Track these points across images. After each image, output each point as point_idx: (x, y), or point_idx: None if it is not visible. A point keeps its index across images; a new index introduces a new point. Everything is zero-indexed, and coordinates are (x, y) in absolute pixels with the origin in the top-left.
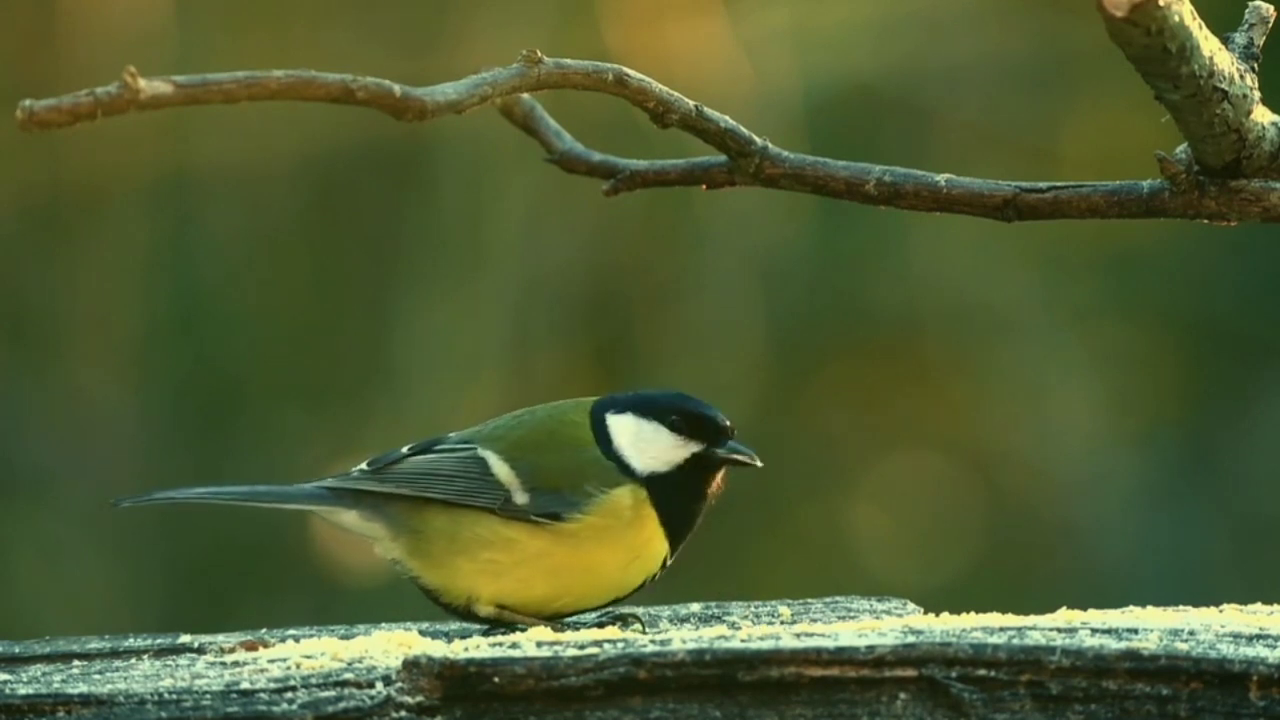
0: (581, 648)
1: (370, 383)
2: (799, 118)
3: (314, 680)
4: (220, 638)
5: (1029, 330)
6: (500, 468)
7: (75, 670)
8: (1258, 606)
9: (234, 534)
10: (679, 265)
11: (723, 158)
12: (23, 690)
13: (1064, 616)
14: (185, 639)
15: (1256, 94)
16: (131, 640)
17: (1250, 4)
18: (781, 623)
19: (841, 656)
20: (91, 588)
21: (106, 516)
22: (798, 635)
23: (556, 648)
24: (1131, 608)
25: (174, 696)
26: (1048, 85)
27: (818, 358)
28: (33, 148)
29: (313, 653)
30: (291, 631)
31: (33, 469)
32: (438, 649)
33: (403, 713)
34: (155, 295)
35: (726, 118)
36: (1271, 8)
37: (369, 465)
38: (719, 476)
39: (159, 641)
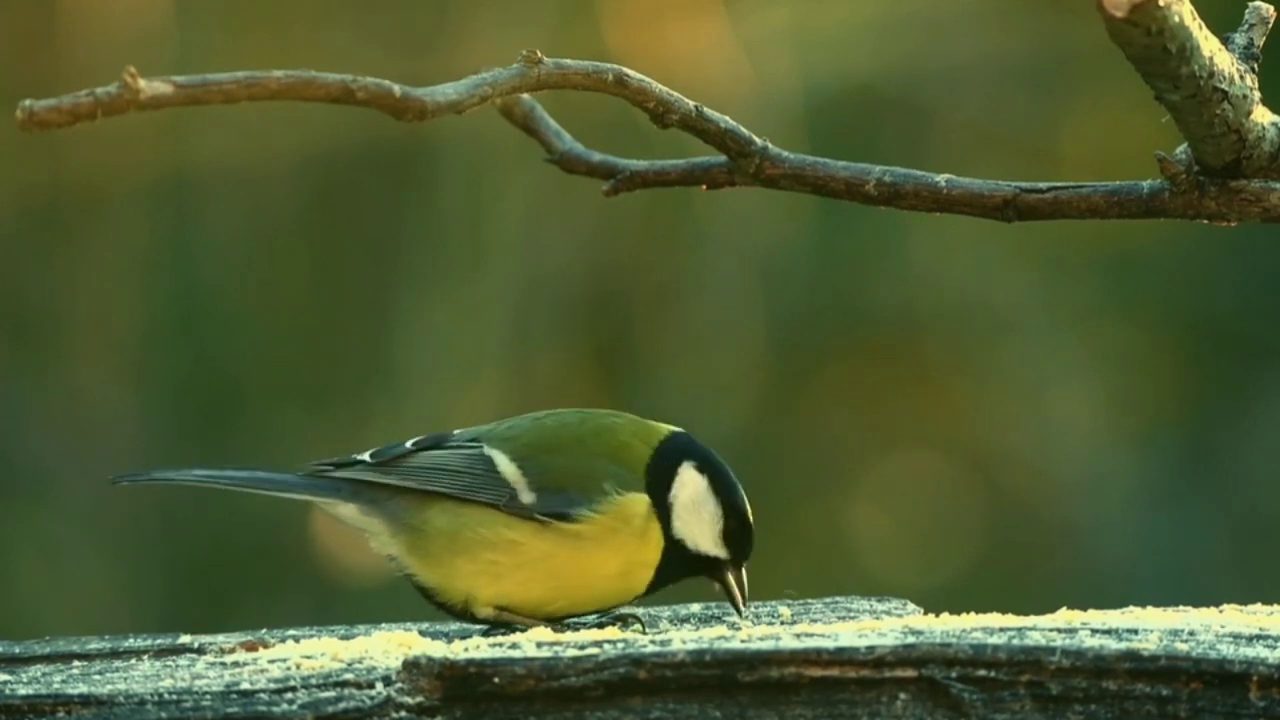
0: (581, 648)
1: (370, 383)
2: (799, 118)
3: (314, 680)
4: (220, 638)
5: (1029, 330)
6: (507, 467)
7: (75, 670)
8: (1258, 607)
9: (234, 534)
10: (679, 265)
11: (723, 158)
12: (23, 690)
13: (1064, 617)
14: (185, 639)
15: (1256, 94)
16: (131, 640)
17: (1250, 4)
18: (781, 623)
19: (841, 657)
20: (91, 588)
21: (106, 516)
22: (798, 635)
23: (556, 648)
24: (1131, 608)
25: (174, 697)
26: (1048, 85)
27: (818, 358)
28: (33, 148)
29: (313, 653)
30: (291, 632)
31: (33, 469)
32: (438, 649)
33: (403, 713)
34: (155, 295)
35: (726, 118)
36: (1271, 8)
37: (371, 457)
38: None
39: (159, 642)
